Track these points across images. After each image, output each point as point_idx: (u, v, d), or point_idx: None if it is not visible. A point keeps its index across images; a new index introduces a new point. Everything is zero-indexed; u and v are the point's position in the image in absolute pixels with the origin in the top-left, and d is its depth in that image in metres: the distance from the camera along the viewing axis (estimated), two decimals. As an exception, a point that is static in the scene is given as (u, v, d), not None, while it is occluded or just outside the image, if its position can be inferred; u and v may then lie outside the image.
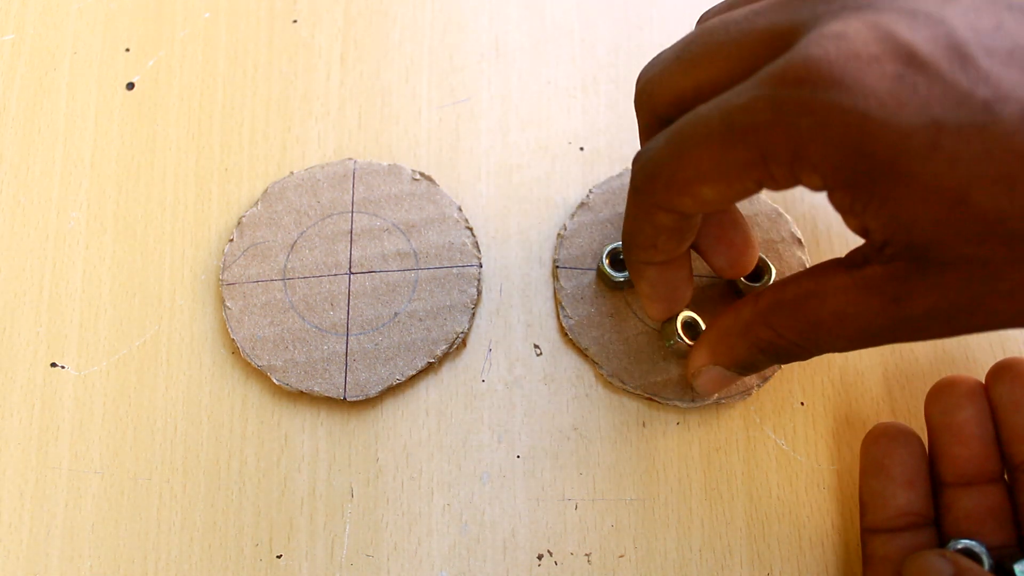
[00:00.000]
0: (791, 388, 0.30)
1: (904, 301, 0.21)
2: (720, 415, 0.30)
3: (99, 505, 0.28)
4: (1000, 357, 0.28)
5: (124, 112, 0.33)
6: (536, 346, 0.30)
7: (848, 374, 0.30)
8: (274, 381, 0.29)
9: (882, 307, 0.21)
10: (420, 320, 0.30)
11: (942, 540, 0.26)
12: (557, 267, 0.31)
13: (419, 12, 0.35)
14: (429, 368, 0.30)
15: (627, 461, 0.29)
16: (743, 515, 0.29)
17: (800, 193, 0.32)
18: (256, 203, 0.31)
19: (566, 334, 0.30)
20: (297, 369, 0.29)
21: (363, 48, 0.34)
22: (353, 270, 0.30)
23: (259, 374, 0.30)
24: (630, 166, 0.31)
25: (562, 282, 0.30)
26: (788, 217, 0.31)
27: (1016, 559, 0.25)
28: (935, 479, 0.27)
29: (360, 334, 0.30)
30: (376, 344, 0.29)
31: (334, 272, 0.30)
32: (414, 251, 0.31)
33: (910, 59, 0.19)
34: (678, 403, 0.29)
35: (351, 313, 0.30)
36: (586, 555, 0.28)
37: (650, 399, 0.29)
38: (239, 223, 0.31)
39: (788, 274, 0.30)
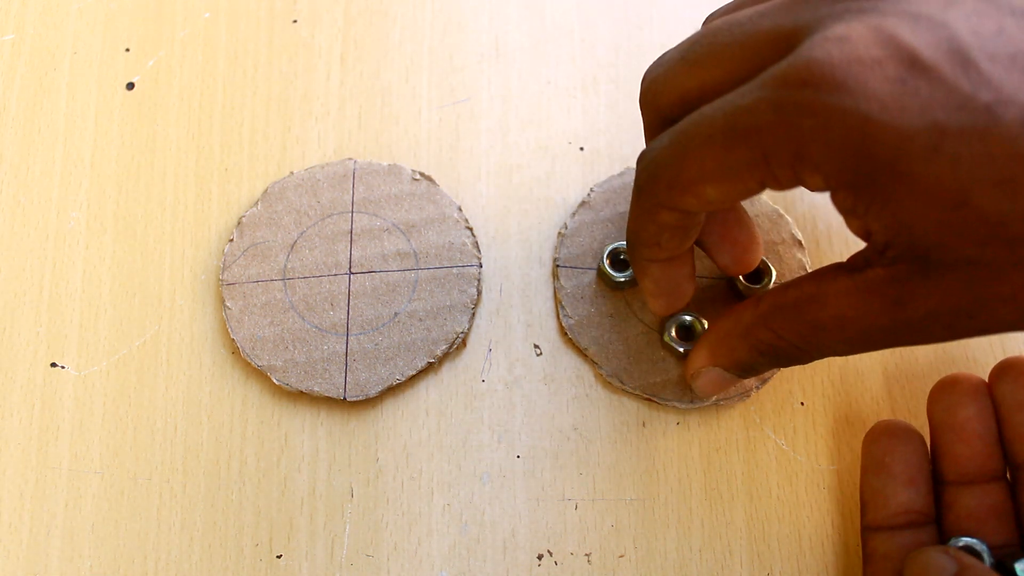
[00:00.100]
0: (791, 388, 0.30)
1: (905, 304, 0.21)
2: (720, 415, 0.30)
3: (99, 505, 0.28)
4: (1000, 357, 0.28)
5: (124, 112, 0.33)
6: (536, 346, 0.30)
7: (848, 374, 0.30)
8: (274, 381, 0.29)
9: (883, 310, 0.22)
10: (420, 320, 0.30)
11: (943, 539, 0.26)
12: (557, 266, 0.31)
13: (419, 12, 0.35)
14: (429, 368, 0.30)
15: (627, 461, 0.29)
16: (743, 515, 0.29)
17: (800, 195, 0.32)
18: (256, 203, 0.31)
19: (566, 334, 0.30)
20: (297, 369, 0.29)
21: (363, 48, 0.34)
22: (353, 270, 0.30)
23: (259, 374, 0.30)
24: (631, 165, 0.31)
25: (562, 281, 0.30)
26: (789, 219, 0.31)
27: (1017, 558, 0.25)
28: (936, 477, 0.27)
29: (360, 334, 0.30)
30: (376, 344, 0.29)
31: (334, 272, 0.30)
32: (414, 251, 0.31)
33: (912, 62, 0.19)
34: (677, 404, 0.29)
35: (351, 313, 0.30)
36: (586, 555, 0.28)
37: (649, 399, 0.29)
38: (239, 223, 0.31)
39: (789, 276, 0.30)
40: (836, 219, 0.32)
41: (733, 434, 0.29)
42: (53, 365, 0.30)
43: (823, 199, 0.32)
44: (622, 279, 0.30)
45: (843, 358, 0.30)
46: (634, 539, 0.28)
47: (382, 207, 0.31)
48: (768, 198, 0.32)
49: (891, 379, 0.30)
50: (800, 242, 0.31)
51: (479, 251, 0.31)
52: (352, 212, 0.31)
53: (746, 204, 0.31)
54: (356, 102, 0.33)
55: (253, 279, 0.30)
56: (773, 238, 0.31)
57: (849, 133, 0.19)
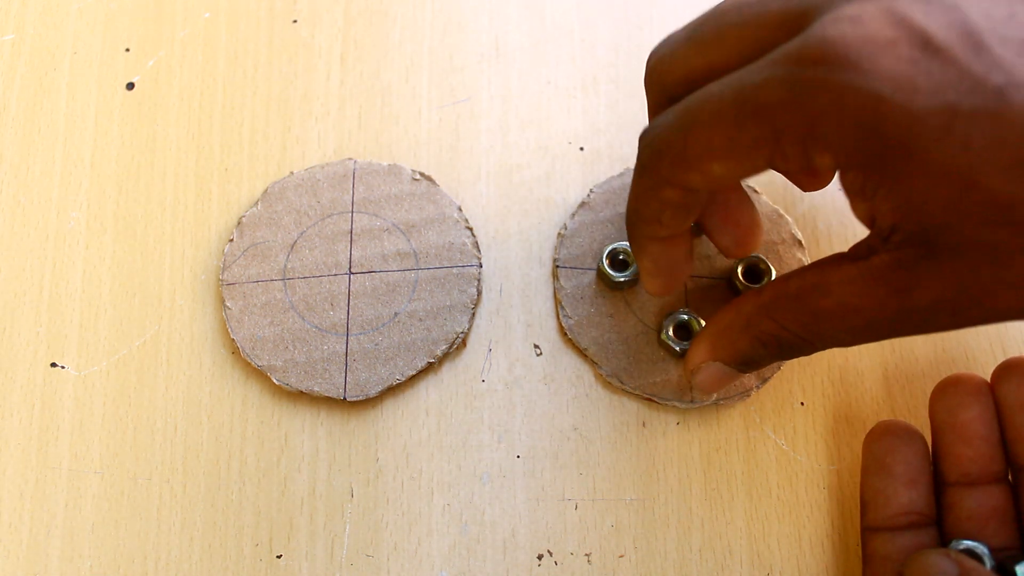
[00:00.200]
0: (791, 388, 0.30)
1: (910, 291, 0.21)
2: (720, 415, 0.30)
3: (99, 505, 0.28)
4: (1000, 357, 0.28)
5: (124, 112, 0.33)
6: (536, 346, 0.30)
7: (848, 374, 0.30)
8: (274, 381, 0.29)
9: (888, 297, 0.22)
10: (420, 320, 0.30)
11: (943, 540, 0.26)
12: (557, 266, 0.31)
13: (419, 12, 0.35)
14: (429, 368, 0.30)
15: (627, 461, 0.29)
16: (743, 515, 0.29)
17: (800, 195, 0.32)
18: (256, 203, 0.31)
19: (566, 334, 0.30)
20: (297, 369, 0.29)
21: (363, 48, 0.34)
22: (353, 270, 0.30)
23: (259, 374, 0.30)
24: (631, 166, 0.31)
25: (562, 282, 0.30)
26: (789, 219, 0.31)
27: (1018, 561, 0.25)
28: (938, 478, 0.27)
29: (360, 334, 0.30)
30: (376, 344, 0.29)
31: (334, 272, 0.30)
32: (414, 251, 0.31)
33: (925, 44, 0.19)
34: (677, 404, 0.29)
35: (351, 313, 0.30)
36: (586, 555, 0.28)
37: (649, 399, 0.29)
38: (239, 223, 0.31)
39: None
40: (836, 219, 0.32)
41: (733, 434, 0.29)
42: (53, 365, 0.30)
43: (823, 199, 0.32)
44: (622, 279, 0.30)
45: (843, 358, 0.30)
46: (634, 539, 0.28)
47: (382, 207, 0.31)
48: (768, 198, 0.32)
49: (891, 379, 0.30)
50: (800, 242, 0.31)
51: (479, 251, 0.31)
52: (352, 212, 0.31)
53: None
54: (356, 102, 0.33)
55: (253, 279, 0.30)
56: (773, 238, 0.31)
57: (862, 112, 0.19)
